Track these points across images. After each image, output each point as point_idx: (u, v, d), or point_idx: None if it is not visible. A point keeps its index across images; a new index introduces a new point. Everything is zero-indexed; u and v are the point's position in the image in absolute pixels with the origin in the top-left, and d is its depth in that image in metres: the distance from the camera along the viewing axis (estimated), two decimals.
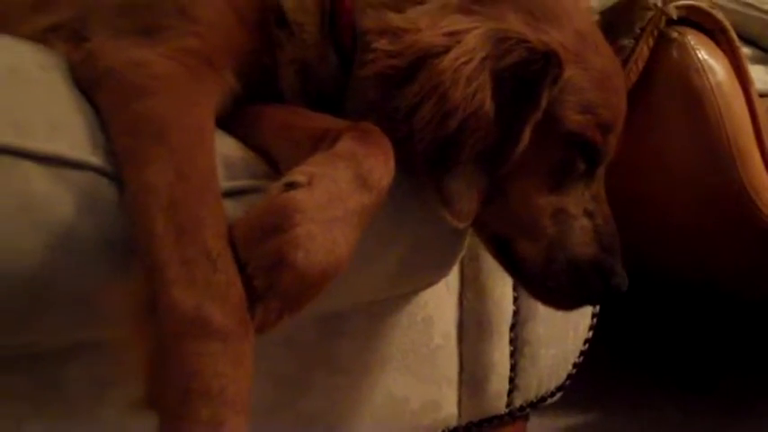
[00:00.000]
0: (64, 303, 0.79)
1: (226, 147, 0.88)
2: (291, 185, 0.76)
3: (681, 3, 1.38)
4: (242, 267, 0.74)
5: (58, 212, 0.77)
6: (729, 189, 1.42)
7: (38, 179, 0.77)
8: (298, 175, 0.77)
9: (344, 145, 0.82)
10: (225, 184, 0.84)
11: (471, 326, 1.21)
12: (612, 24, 1.36)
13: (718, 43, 1.41)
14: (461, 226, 0.92)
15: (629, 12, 1.37)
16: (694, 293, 1.77)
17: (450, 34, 0.89)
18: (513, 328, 1.25)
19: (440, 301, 1.18)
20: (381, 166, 0.82)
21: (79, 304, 0.79)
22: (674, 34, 1.40)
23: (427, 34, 0.89)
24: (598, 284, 0.97)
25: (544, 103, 0.90)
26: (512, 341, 1.26)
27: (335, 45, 0.95)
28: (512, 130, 0.89)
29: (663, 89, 1.42)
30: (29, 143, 0.77)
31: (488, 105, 0.88)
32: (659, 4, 1.37)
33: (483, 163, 0.89)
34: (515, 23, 0.91)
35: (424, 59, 0.88)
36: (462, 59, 0.88)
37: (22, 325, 0.80)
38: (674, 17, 1.38)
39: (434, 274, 1.08)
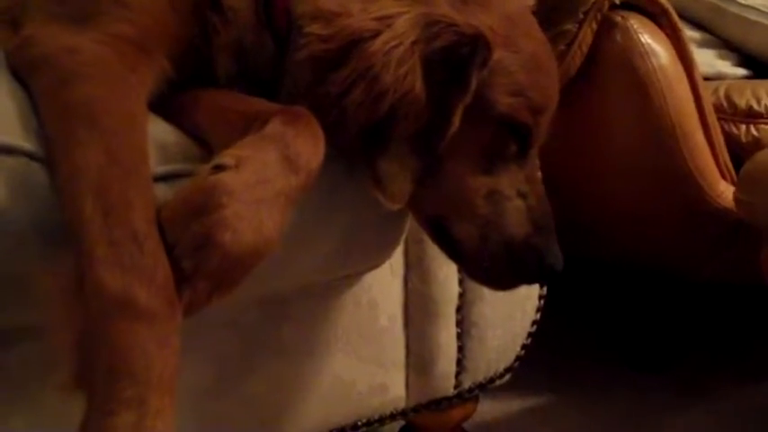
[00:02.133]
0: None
1: (160, 131, 0.89)
2: (219, 168, 0.78)
3: None
4: (170, 249, 0.75)
5: None
6: (674, 172, 1.45)
7: None
8: (225, 157, 0.78)
9: (273, 127, 0.83)
10: (159, 168, 0.85)
11: (417, 308, 1.23)
12: (555, 9, 1.39)
13: (661, 27, 1.44)
14: (395, 207, 0.94)
15: None
16: (644, 274, 1.80)
17: (381, 18, 0.91)
18: (459, 309, 1.27)
19: (384, 284, 1.19)
20: (310, 147, 0.84)
21: (12, 287, 0.80)
22: (618, 18, 1.42)
23: (358, 19, 0.91)
24: (533, 264, 0.99)
25: (473, 85, 0.91)
26: (458, 323, 1.27)
27: (271, 29, 0.96)
28: (442, 112, 0.91)
29: (607, 73, 1.44)
30: None
31: (419, 88, 0.89)
32: None
33: (415, 145, 0.91)
34: (445, 7, 0.93)
35: (354, 43, 0.90)
36: (392, 43, 0.89)
37: None
38: (617, 2, 1.40)
39: (376, 256, 1.09)
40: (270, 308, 1.09)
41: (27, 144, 0.80)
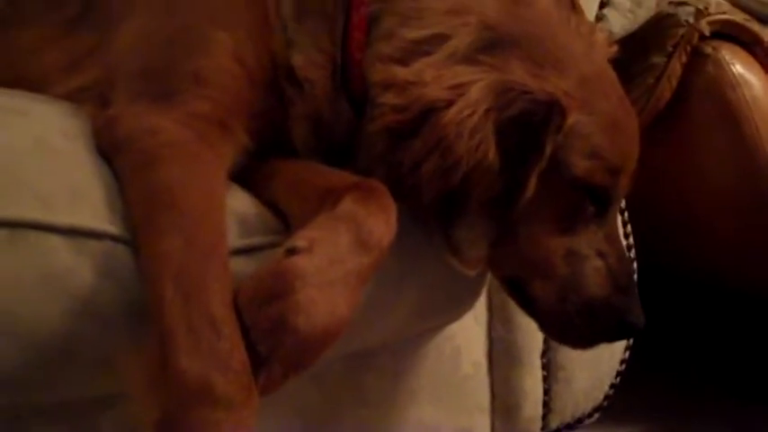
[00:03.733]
0: (87, 364, 0.84)
1: (240, 203, 0.92)
2: (293, 251, 0.80)
3: (714, 18, 1.36)
4: (246, 331, 0.78)
5: (78, 281, 0.82)
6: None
7: (60, 251, 0.82)
8: (299, 240, 0.81)
9: (345, 206, 0.84)
10: (238, 241, 0.88)
11: (501, 354, 1.24)
12: (644, 42, 1.36)
13: (755, 56, 1.39)
14: (471, 273, 0.94)
15: (658, 29, 1.36)
16: (743, 301, 1.75)
17: (454, 87, 0.91)
18: (544, 354, 1.27)
19: (468, 332, 1.20)
20: (382, 225, 0.85)
21: (101, 365, 0.84)
22: (708, 49, 1.38)
23: (431, 88, 0.91)
24: (612, 324, 0.98)
25: (548, 151, 0.91)
26: (544, 366, 1.27)
27: (348, 96, 0.98)
28: (517, 179, 0.90)
29: (697, 106, 1.41)
30: (52, 217, 0.82)
31: (492, 156, 0.89)
32: (691, 20, 1.35)
33: (490, 211, 0.91)
34: (519, 73, 0.92)
35: (428, 114, 0.90)
36: (466, 113, 0.89)
37: (51, 383, 0.85)
38: (707, 33, 1.36)
39: (456, 311, 1.10)
40: (352, 361, 1.11)
41: (112, 227, 0.84)
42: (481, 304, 1.19)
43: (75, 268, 0.82)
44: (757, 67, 1.38)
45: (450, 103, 0.90)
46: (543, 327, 1.04)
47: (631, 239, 1.28)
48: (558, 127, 0.91)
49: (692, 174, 1.45)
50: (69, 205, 0.84)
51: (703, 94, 1.39)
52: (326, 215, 0.84)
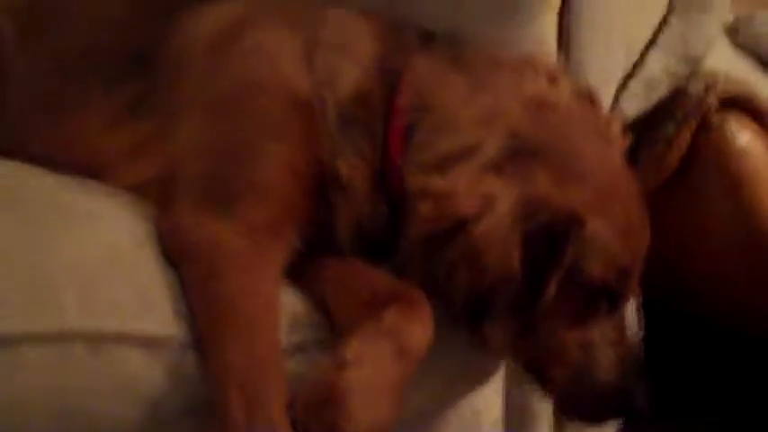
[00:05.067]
0: None
1: (290, 301, 1.02)
2: (343, 364, 0.91)
3: (722, 91, 1.45)
4: None
5: (150, 386, 0.92)
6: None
7: (134, 358, 0.92)
8: (348, 353, 0.91)
9: (390, 319, 0.95)
10: (290, 338, 0.99)
11: (515, 415, 1.34)
12: (656, 113, 1.45)
13: (760, 126, 1.48)
14: (497, 362, 1.05)
15: (672, 101, 1.44)
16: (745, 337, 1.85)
17: (483, 200, 1.00)
18: (555, 416, 1.37)
19: (486, 395, 1.30)
20: (421, 335, 0.96)
21: None
22: (715, 119, 1.47)
23: (464, 200, 1.00)
24: (619, 407, 1.09)
25: (568, 260, 1.00)
26: (555, 423, 1.38)
27: (386, 197, 1.07)
28: (539, 283, 1.00)
29: (704, 173, 1.50)
30: (126, 326, 0.93)
31: (517, 265, 0.99)
32: (700, 93, 1.44)
33: (514, 311, 1.01)
34: (542, 183, 1.00)
35: (460, 225, 0.99)
36: (494, 226, 0.98)
37: None
38: (716, 105, 1.45)
39: (480, 383, 1.21)
40: None
41: (180, 332, 0.94)
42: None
43: (147, 374, 0.92)
44: (762, 137, 1.46)
45: (480, 216, 0.99)
46: (558, 406, 1.15)
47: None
48: (577, 238, 1.00)
49: (697, 237, 1.54)
50: (141, 313, 0.94)
51: (709, 164, 1.48)
52: (373, 327, 0.94)
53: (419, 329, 0.96)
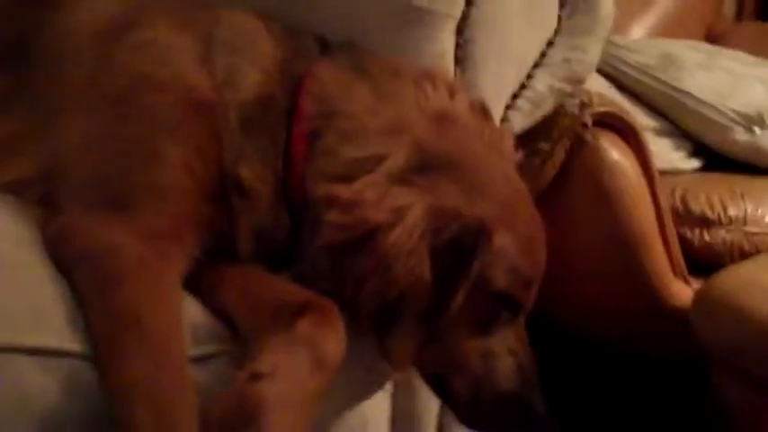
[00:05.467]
0: None
1: (190, 312, 0.96)
2: (257, 376, 0.86)
3: (596, 110, 1.51)
4: None
5: (46, 401, 0.84)
6: (635, 275, 1.59)
7: (28, 372, 0.84)
8: (263, 365, 0.87)
9: (303, 330, 0.91)
10: (193, 351, 0.93)
11: (402, 423, 1.33)
12: (535, 129, 1.48)
13: (628, 143, 1.55)
14: (400, 374, 1.04)
15: (549, 118, 1.48)
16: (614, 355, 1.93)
17: (394, 210, 0.98)
18: (438, 419, 1.38)
19: (374, 404, 1.29)
20: (336, 345, 0.93)
21: None
22: (588, 137, 1.53)
23: (373, 210, 0.98)
24: (519, 414, 1.10)
25: (476, 271, 1.01)
26: (438, 430, 1.38)
27: (288, 208, 1.04)
28: (447, 293, 1.00)
29: (577, 187, 1.56)
30: (18, 338, 0.85)
31: (426, 275, 0.98)
32: (576, 111, 1.49)
33: (420, 320, 1.00)
34: (451, 196, 1.01)
35: (370, 235, 0.97)
36: (404, 236, 0.97)
37: None
38: (589, 124, 1.51)
39: (373, 394, 1.19)
40: None
41: (76, 345, 0.87)
42: None
43: (43, 388, 0.85)
44: (631, 154, 1.54)
45: (390, 226, 0.97)
46: (459, 416, 1.14)
47: None
48: (485, 249, 1.01)
49: (570, 247, 1.60)
50: (32, 323, 0.87)
51: (582, 178, 1.54)
52: (285, 338, 0.91)
53: (333, 340, 0.93)
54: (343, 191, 1.00)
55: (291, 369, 0.88)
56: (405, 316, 0.99)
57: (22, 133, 1.05)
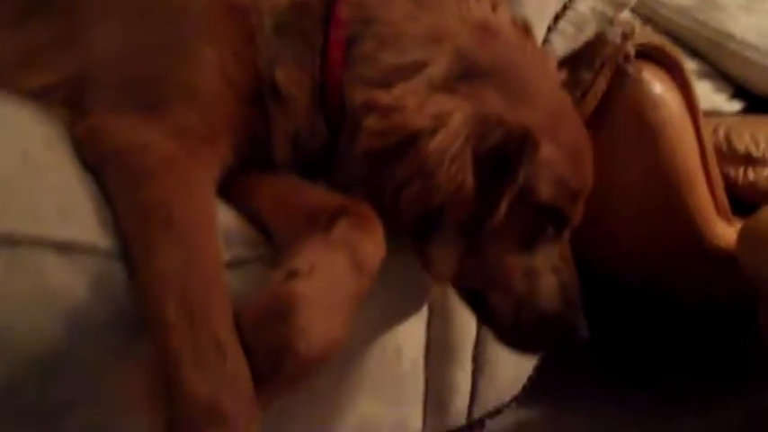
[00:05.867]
0: (79, 380, 0.85)
1: (223, 217, 0.93)
2: (293, 274, 0.83)
3: (638, 41, 1.46)
4: (247, 351, 0.80)
5: (72, 297, 0.82)
6: (677, 214, 1.53)
7: (53, 266, 0.82)
8: (299, 263, 0.83)
9: (341, 231, 0.88)
10: (225, 254, 0.89)
11: (437, 351, 1.30)
12: (574, 58, 1.43)
13: (672, 77, 1.50)
14: (440, 285, 1.00)
15: (591, 47, 1.44)
16: (638, 296, 1.89)
17: (436, 116, 0.94)
18: (474, 349, 1.34)
19: (409, 331, 1.25)
20: (375, 249, 0.89)
21: (93, 380, 0.85)
22: (631, 69, 1.47)
23: (414, 115, 0.94)
24: (560, 336, 1.06)
25: (521, 180, 0.97)
26: (474, 361, 1.35)
27: (325, 116, 1.00)
28: (490, 203, 0.96)
29: (618, 120, 1.50)
30: (44, 231, 0.82)
31: (470, 183, 0.94)
32: (617, 41, 1.44)
33: (462, 231, 0.96)
34: (495, 104, 0.97)
35: (411, 140, 0.94)
36: (447, 141, 0.93)
37: (41, 392, 0.85)
38: (632, 54, 1.46)
39: (410, 315, 1.15)
40: None
41: (104, 242, 0.84)
42: None
43: (68, 284, 0.82)
44: (674, 87, 1.48)
45: (432, 132, 0.94)
46: (498, 335, 1.10)
47: None
48: (530, 157, 0.97)
49: (610, 183, 1.54)
50: (60, 220, 0.84)
51: (624, 111, 1.48)
52: (322, 239, 0.87)
53: (372, 244, 0.89)
54: (383, 96, 0.97)
55: (329, 269, 0.84)
56: (446, 224, 0.96)
57: (43, 46, 1.02)
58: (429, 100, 0.96)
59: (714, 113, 1.76)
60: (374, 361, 1.23)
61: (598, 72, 1.44)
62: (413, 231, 0.97)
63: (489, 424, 1.62)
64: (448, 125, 0.94)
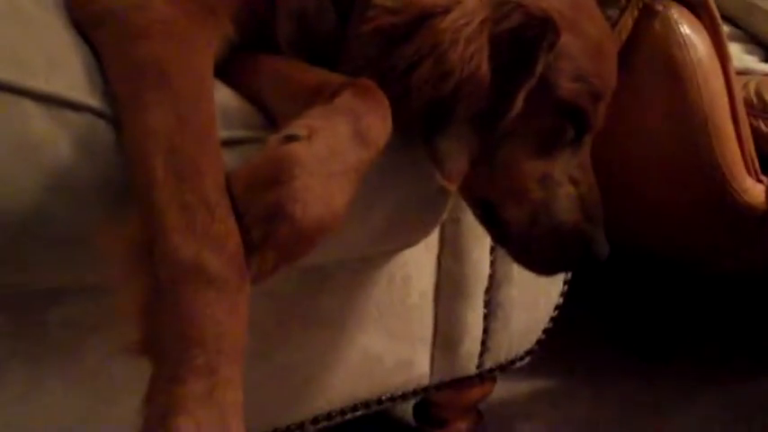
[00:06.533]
0: (59, 242, 0.79)
1: (222, 96, 0.87)
2: (291, 138, 0.76)
3: None
4: (239, 218, 0.74)
5: (55, 153, 0.76)
6: (702, 163, 1.46)
7: (36, 118, 0.75)
8: (298, 128, 0.77)
9: (344, 100, 0.82)
10: (221, 133, 0.83)
11: (447, 287, 1.23)
12: None
13: (700, 19, 1.43)
14: (451, 186, 0.93)
15: None
16: (659, 264, 1.81)
17: None
18: (488, 290, 1.27)
19: (419, 261, 1.19)
20: (380, 122, 0.83)
21: (74, 244, 0.79)
22: (659, 8, 1.41)
23: None
24: (579, 251, 0.99)
25: (540, 68, 0.90)
26: (486, 304, 1.28)
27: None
28: (506, 94, 0.89)
29: (644, 61, 1.44)
30: (29, 82, 0.75)
31: (485, 68, 0.88)
32: None
33: (476, 125, 0.90)
34: None
35: (424, 18, 0.88)
36: (462, 21, 0.88)
37: (16, 263, 0.79)
38: None
39: (418, 233, 1.09)
40: (308, 280, 1.09)
41: (93, 100, 0.78)
42: (434, 235, 1.17)
43: (52, 139, 0.76)
44: (702, 29, 1.42)
45: (446, 10, 0.88)
46: (511, 251, 1.03)
47: None
48: (550, 45, 0.91)
49: (630, 127, 1.49)
50: (47, 74, 0.78)
51: (651, 50, 1.42)
52: (324, 107, 0.81)
53: (378, 115, 0.83)
54: None
55: (329, 135, 0.78)
56: (459, 115, 0.89)
57: None
58: None
59: (745, 72, 1.69)
60: (381, 289, 1.17)
61: (624, 8, 1.38)
62: (423, 123, 0.90)
63: (501, 391, 1.55)
64: (463, 4, 0.89)
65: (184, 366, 0.69)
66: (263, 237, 0.74)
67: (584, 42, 0.95)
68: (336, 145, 0.78)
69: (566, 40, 0.93)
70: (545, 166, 0.97)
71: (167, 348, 0.69)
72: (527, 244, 0.99)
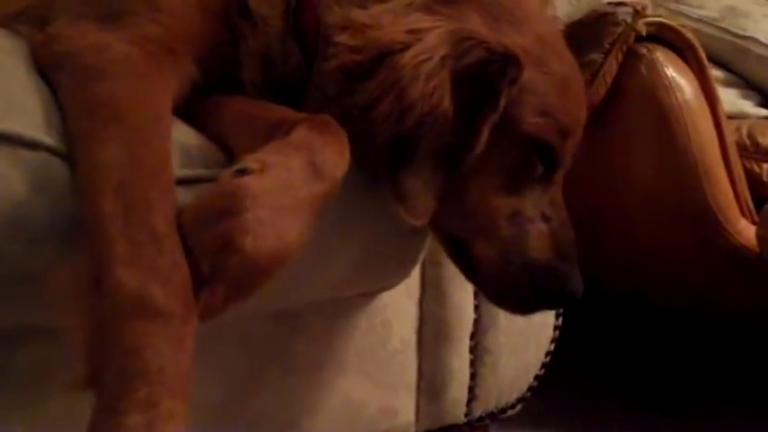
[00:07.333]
0: (11, 282, 0.79)
1: (183, 135, 0.88)
2: (243, 171, 0.76)
3: (650, 20, 1.40)
4: (190, 251, 0.73)
5: (9, 191, 0.77)
6: (694, 207, 1.44)
7: None
8: (250, 161, 0.77)
9: (299, 134, 0.82)
10: (180, 171, 0.84)
11: (431, 331, 1.21)
12: (579, 38, 1.38)
13: (686, 61, 1.43)
14: (417, 224, 0.92)
15: (597, 26, 1.39)
16: (660, 313, 1.78)
17: (412, 32, 0.90)
18: (473, 335, 1.25)
19: (400, 305, 1.18)
20: (336, 156, 0.82)
21: (27, 283, 0.78)
22: (644, 50, 1.42)
23: (389, 31, 0.90)
24: (553, 289, 0.97)
25: (502, 103, 0.90)
26: (472, 349, 1.25)
27: (298, 38, 0.95)
28: (470, 129, 0.89)
29: (631, 105, 1.44)
30: None
31: (447, 104, 0.88)
32: (629, 20, 1.38)
33: (440, 161, 0.89)
34: (476, 24, 0.92)
35: (384, 55, 0.88)
36: (422, 57, 0.88)
37: None
38: (644, 34, 1.40)
39: (393, 274, 1.08)
40: (282, 323, 1.08)
41: (49, 139, 0.79)
42: (414, 277, 1.16)
43: (5, 177, 0.77)
44: (689, 71, 1.42)
45: (406, 47, 0.88)
46: (484, 289, 1.02)
47: None
48: (513, 80, 0.90)
49: (620, 172, 1.48)
50: (3, 113, 0.79)
51: (637, 94, 1.42)
52: (279, 141, 0.81)
53: (335, 149, 0.83)
54: (358, 14, 0.93)
55: (282, 168, 0.78)
56: (422, 151, 0.89)
57: None
58: (406, 18, 0.91)
59: (741, 117, 1.68)
60: (360, 334, 1.15)
61: (608, 52, 1.38)
62: (387, 159, 0.89)
63: None
64: (424, 40, 0.89)
65: (125, 398, 0.68)
66: (213, 270, 0.73)
67: (551, 78, 0.95)
68: (289, 178, 0.78)
69: (530, 75, 0.93)
70: (515, 202, 0.96)
71: (110, 380, 0.69)
72: (499, 282, 0.98)
